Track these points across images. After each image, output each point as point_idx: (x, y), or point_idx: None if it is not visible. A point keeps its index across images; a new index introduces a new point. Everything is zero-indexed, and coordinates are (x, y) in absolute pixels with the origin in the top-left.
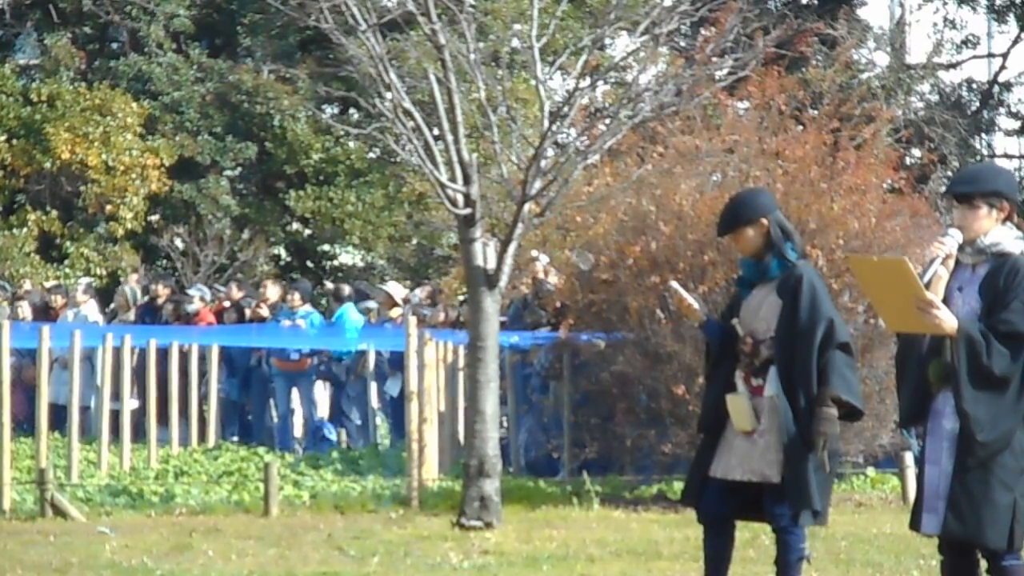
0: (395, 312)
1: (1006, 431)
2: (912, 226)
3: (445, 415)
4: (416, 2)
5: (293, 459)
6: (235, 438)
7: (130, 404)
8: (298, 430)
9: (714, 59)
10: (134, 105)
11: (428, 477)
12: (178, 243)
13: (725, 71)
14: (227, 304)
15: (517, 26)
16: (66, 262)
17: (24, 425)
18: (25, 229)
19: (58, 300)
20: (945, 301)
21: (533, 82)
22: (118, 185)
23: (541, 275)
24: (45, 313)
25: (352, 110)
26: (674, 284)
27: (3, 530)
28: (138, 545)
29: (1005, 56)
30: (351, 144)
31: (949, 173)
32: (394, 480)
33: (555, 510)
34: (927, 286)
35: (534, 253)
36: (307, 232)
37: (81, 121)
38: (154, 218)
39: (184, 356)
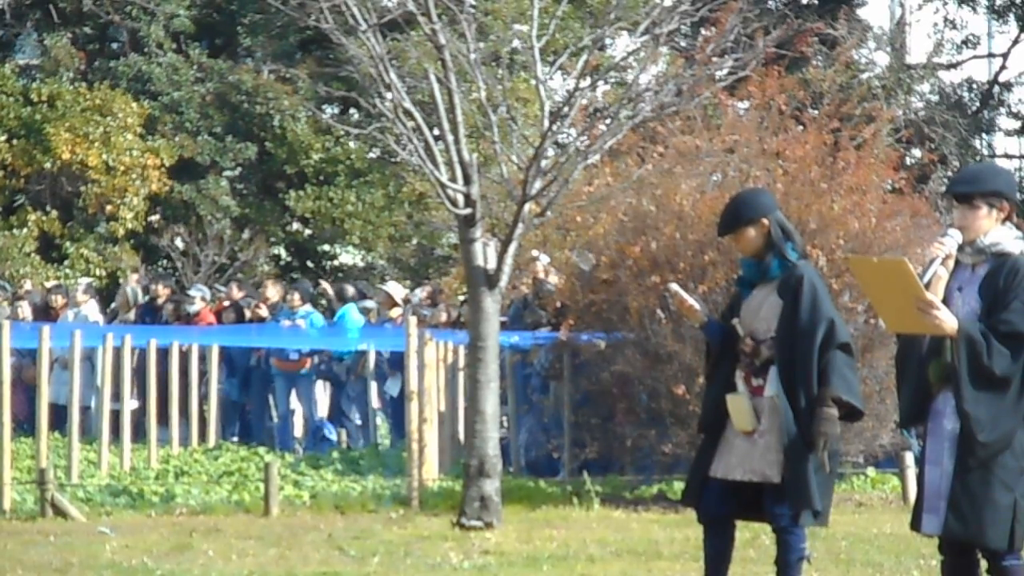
0: (395, 312)
1: (1007, 431)
2: (912, 226)
3: (445, 415)
4: (416, 2)
5: (293, 459)
6: (235, 438)
7: (130, 404)
8: (298, 430)
9: (714, 59)
10: (134, 105)
11: (428, 477)
12: (178, 243)
13: (725, 71)
14: (227, 304)
15: (517, 26)
16: (66, 262)
17: (24, 425)
18: (25, 229)
19: (58, 300)
20: (945, 301)
21: (533, 82)
22: (118, 185)
23: (541, 275)
24: (45, 313)
25: (352, 110)
26: (673, 286)
27: (3, 530)
28: (138, 545)
29: (1005, 56)
30: (351, 144)
31: (949, 173)
32: (394, 480)
33: (555, 510)
34: (927, 286)
35: (534, 253)
36: (307, 232)
37: (81, 121)
38: (154, 218)
39: (184, 356)
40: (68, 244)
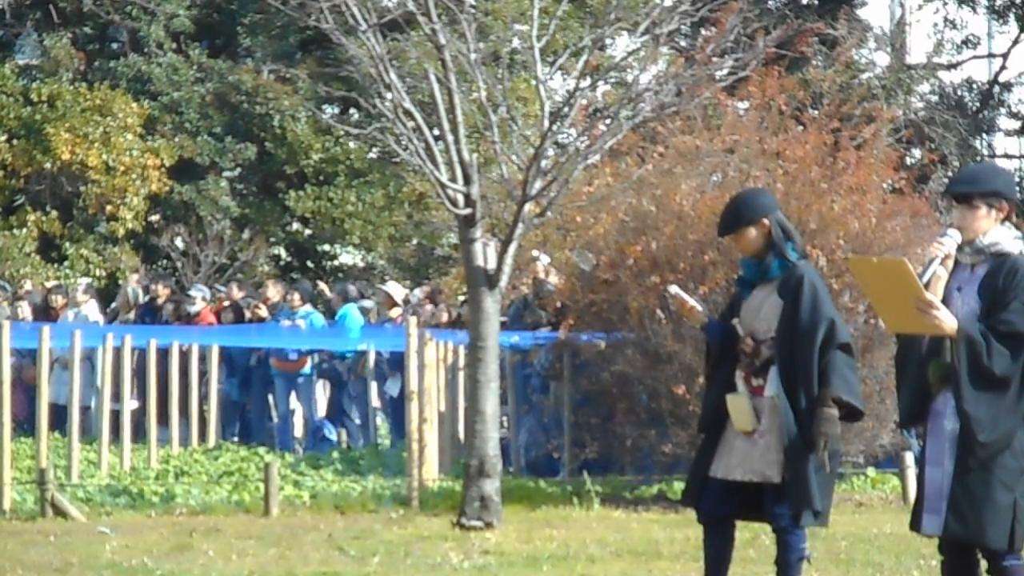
0: (395, 312)
1: (1007, 431)
2: (912, 226)
3: (445, 415)
4: (416, 2)
5: (293, 459)
6: (235, 438)
7: (130, 404)
8: (298, 430)
9: (714, 59)
10: (134, 105)
11: (428, 477)
12: (178, 243)
13: (725, 71)
14: (226, 304)
15: (517, 26)
16: (66, 263)
17: (24, 425)
18: (25, 229)
19: (58, 300)
20: (944, 301)
21: (533, 82)
22: (118, 185)
23: (541, 275)
24: (45, 313)
25: (352, 110)
26: (674, 288)
27: (3, 530)
28: (138, 545)
29: (1005, 56)
30: (351, 144)
31: (949, 173)
32: (394, 480)
33: (555, 510)
34: (926, 286)
35: (534, 253)
36: (307, 232)
37: (81, 121)
38: (154, 218)
39: (184, 356)
40: (68, 244)
